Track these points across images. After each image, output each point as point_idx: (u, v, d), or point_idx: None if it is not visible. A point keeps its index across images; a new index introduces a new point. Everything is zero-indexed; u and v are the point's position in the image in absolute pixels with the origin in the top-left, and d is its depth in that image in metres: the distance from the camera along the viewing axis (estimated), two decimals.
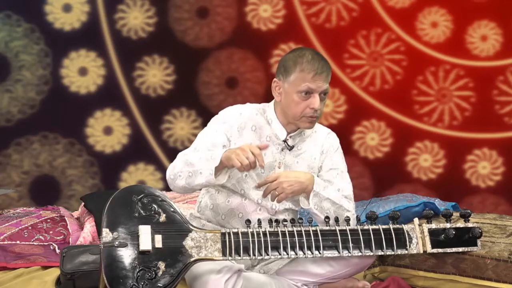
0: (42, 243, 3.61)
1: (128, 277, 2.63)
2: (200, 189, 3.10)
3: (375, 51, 4.91)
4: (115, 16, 4.87)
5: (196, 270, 2.78)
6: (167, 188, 3.07)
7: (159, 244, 2.70)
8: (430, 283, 3.15)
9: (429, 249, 2.97)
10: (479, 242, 3.05)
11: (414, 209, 3.61)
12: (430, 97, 4.92)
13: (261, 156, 2.81)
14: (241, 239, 2.78)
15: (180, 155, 2.98)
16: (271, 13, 4.91)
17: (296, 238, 2.83)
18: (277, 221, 2.86)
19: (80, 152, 4.86)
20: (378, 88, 4.93)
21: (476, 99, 4.90)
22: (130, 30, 4.88)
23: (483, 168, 4.90)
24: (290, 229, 2.85)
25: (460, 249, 3.03)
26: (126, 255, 2.65)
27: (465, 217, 3.04)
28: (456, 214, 3.30)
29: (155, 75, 4.90)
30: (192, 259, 2.71)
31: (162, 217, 2.75)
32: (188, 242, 2.73)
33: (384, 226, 2.94)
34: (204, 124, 3.17)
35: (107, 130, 4.88)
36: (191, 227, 2.76)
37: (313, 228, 2.86)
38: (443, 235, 2.99)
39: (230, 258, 2.76)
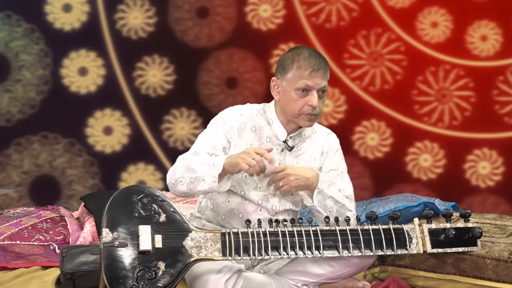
0: (42, 243, 3.61)
1: (128, 277, 2.63)
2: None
3: (375, 51, 4.91)
4: (115, 16, 4.87)
5: (196, 270, 2.78)
6: (167, 188, 3.07)
7: (159, 244, 2.70)
8: (430, 283, 3.15)
9: (429, 249, 2.97)
10: (479, 242, 3.05)
11: (414, 209, 3.60)
12: (430, 97, 4.92)
13: (267, 153, 2.83)
14: (241, 239, 2.78)
15: (180, 159, 2.97)
16: (271, 13, 4.92)
17: (296, 238, 2.83)
18: (277, 221, 2.86)
19: (80, 152, 4.86)
20: (378, 88, 4.93)
21: (476, 99, 4.90)
22: (130, 30, 4.88)
23: (483, 168, 4.90)
24: (290, 229, 2.85)
25: (460, 249, 3.03)
26: (126, 255, 2.65)
27: (465, 217, 3.04)
28: (456, 214, 3.30)
29: (155, 75, 4.90)
30: (192, 259, 2.71)
31: (162, 217, 2.75)
32: (188, 242, 2.73)
33: (384, 226, 2.94)
34: (204, 124, 3.17)
35: (107, 130, 4.88)
36: (191, 227, 2.76)
37: (313, 228, 2.86)
38: (443, 235, 2.99)
39: (230, 258, 2.76)
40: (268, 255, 2.81)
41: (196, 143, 3.05)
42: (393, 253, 2.92)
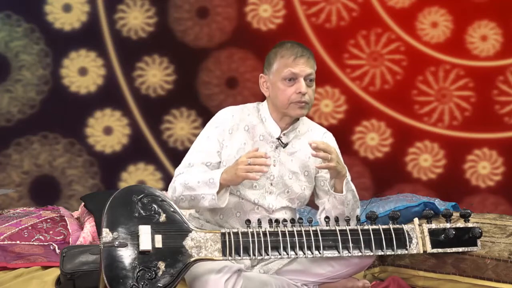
0: (42, 243, 3.61)
1: (128, 277, 2.63)
2: None
3: (375, 51, 4.91)
4: (115, 16, 4.87)
5: (196, 270, 2.78)
6: (167, 189, 3.07)
7: (159, 244, 2.70)
8: (430, 283, 3.15)
9: (429, 249, 2.97)
10: (479, 242, 3.05)
11: (414, 209, 3.61)
12: (430, 97, 4.91)
13: (257, 153, 2.84)
14: (241, 239, 2.78)
15: (177, 177, 3.00)
16: (271, 13, 4.91)
17: (296, 238, 2.83)
18: (277, 221, 2.86)
19: (80, 152, 4.86)
20: (378, 88, 4.92)
21: (476, 99, 4.89)
22: (130, 30, 4.87)
23: (483, 168, 4.90)
24: (290, 229, 2.85)
25: (460, 249, 3.04)
26: (126, 255, 2.66)
27: (465, 217, 3.04)
28: (456, 214, 3.30)
29: (155, 75, 4.90)
30: (192, 259, 2.72)
31: (162, 217, 2.75)
32: (188, 242, 2.74)
33: (384, 226, 2.94)
34: (204, 124, 3.18)
35: (107, 130, 4.88)
36: (191, 227, 2.76)
37: (313, 228, 2.87)
38: (443, 235, 2.99)
39: (230, 258, 2.77)
40: (268, 255, 2.81)
41: (190, 152, 3.07)
42: (393, 253, 2.92)
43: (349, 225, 2.91)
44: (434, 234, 2.99)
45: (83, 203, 4.01)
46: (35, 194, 4.82)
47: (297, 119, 3.11)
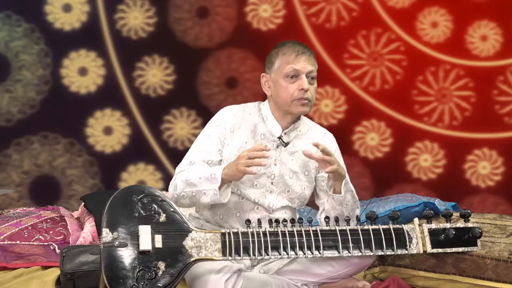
0: (42, 243, 3.61)
1: (128, 277, 2.63)
2: None
3: (375, 51, 4.91)
4: (115, 16, 4.87)
5: (196, 270, 2.78)
6: (167, 188, 3.07)
7: (159, 244, 2.70)
8: (430, 283, 3.15)
9: (429, 249, 2.97)
10: (479, 242, 3.05)
11: (414, 209, 3.61)
12: (430, 97, 4.91)
13: (257, 146, 2.84)
14: (241, 239, 2.78)
15: (178, 174, 3.00)
16: (271, 13, 4.91)
17: (296, 238, 2.83)
18: (277, 221, 2.86)
19: (80, 152, 4.86)
20: (378, 88, 4.92)
21: (476, 99, 4.89)
22: (130, 30, 4.87)
23: (483, 168, 4.90)
24: (290, 229, 2.85)
25: (460, 249, 3.04)
26: (126, 255, 2.66)
27: (465, 217, 3.04)
28: (456, 214, 3.30)
29: (155, 75, 4.90)
30: (192, 259, 2.72)
31: (162, 217, 2.75)
32: (188, 242, 2.74)
33: (384, 226, 2.94)
34: (204, 124, 3.18)
35: (107, 130, 4.88)
36: (191, 227, 2.76)
37: (313, 228, 2.87)
38: (443, 235, 2.99)
39: (230, 258, 2.76)
40: (268, 255, 2.81)
41: (191, 151, 3.07)
42: (393, 253, 2.92)
43: (349, 225, 2.91)
44: (434, 234, 2.99)
45: (83, 203, 4.01)
46: (35, 194, 4.82)
47: (298, 119, 3.11)
